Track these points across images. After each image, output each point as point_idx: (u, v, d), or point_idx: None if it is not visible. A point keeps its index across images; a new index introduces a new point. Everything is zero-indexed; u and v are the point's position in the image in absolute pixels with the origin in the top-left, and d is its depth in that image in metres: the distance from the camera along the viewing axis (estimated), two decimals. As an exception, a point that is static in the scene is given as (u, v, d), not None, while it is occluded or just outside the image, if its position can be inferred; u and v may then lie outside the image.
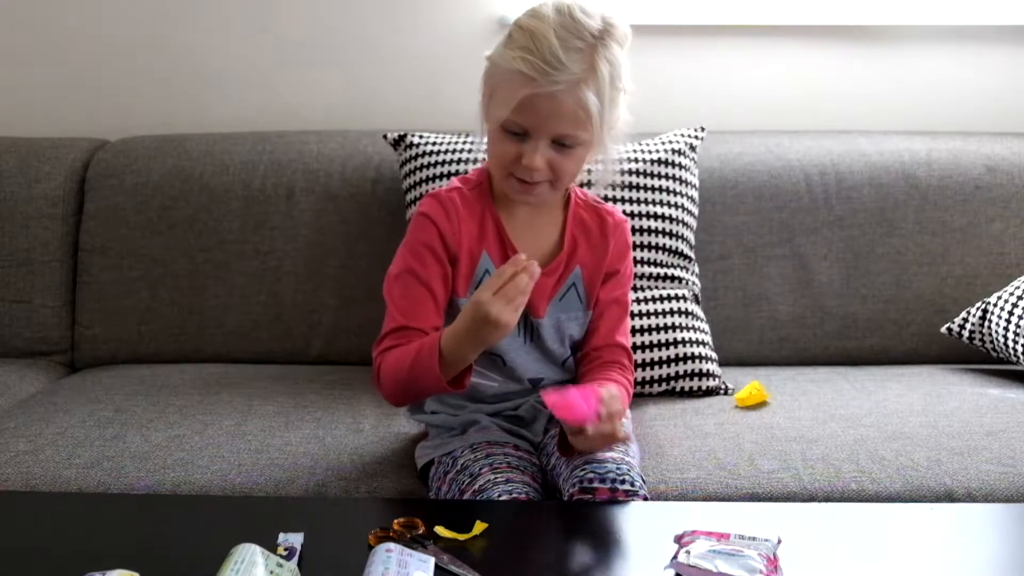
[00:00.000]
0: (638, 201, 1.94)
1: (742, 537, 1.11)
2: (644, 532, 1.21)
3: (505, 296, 1.28)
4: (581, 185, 1.60)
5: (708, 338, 1.94)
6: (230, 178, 2.12)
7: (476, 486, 1.35)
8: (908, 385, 1.90)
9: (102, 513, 1.31)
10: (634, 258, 1.91)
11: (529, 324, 1.50)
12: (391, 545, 1.08)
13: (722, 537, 1.11)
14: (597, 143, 1.42)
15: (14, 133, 2.27)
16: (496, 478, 1.35)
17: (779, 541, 1.11)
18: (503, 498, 1.31)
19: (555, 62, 1.34)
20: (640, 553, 1.14)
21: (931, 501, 1.49)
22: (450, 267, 1.47)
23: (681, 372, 1.87)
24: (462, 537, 1.16)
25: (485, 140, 1.46)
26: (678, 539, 1.12)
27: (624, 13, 1.45)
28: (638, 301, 1.89)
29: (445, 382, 1.34)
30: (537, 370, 1.52)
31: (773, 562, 1.08)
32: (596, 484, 1.31)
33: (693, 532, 1.12)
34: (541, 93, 1.35)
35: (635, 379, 1.82)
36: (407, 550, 1.08)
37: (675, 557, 1.08)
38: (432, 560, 1.08)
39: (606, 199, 1.92)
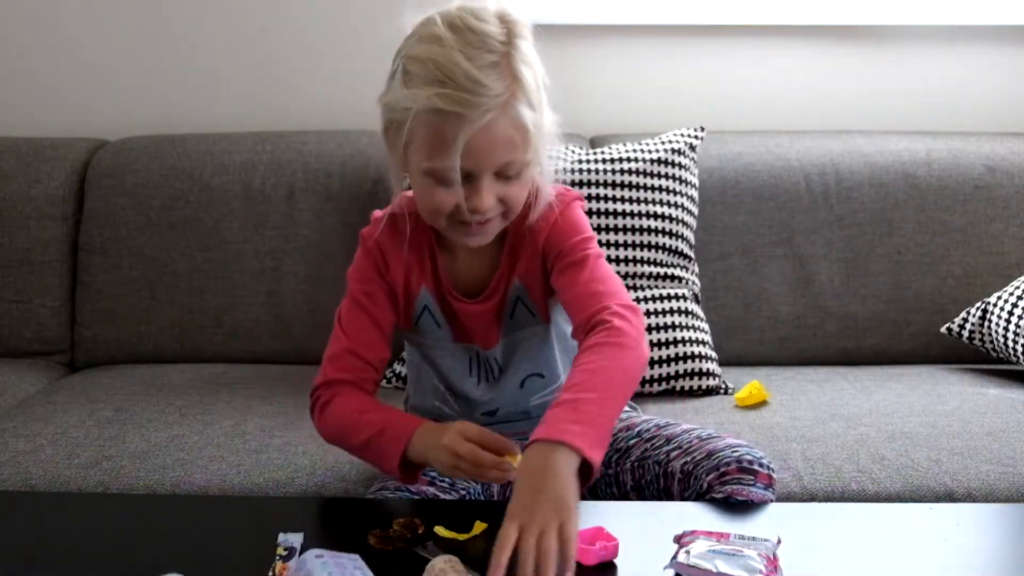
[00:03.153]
0: (638, 201, 1.94)
1: (742, 537, 1.11)
2: (644, 532, 1.20)
3: (462, 464, 1.18)
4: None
5: (708, 338, 1.94)
6: (230, 178, 2.12)
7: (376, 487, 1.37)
8: (908, 385, 1.90)
9: (101, 513, 1.31)
10: (634, 258, 1.92)
11: (480, 357, 1.38)
12: (320, 551, 1.04)
13: (722, 537, 1.11)
14: (536, 156, 1.25)
15: (14, 133, 2.27)
16: (385, 479, 1.36)
17: (779, 541, 1.11)
18: (368, 496, 1.33)
19: (476, 88, 1.16)
20: (640, 553, 1.14)
21: (931, 501, 1.49)
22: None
23: (681, 371, 1.86)
24: (462, 537, 1.16)
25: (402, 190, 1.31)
26: (678, 539, 1.12)
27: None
28: (638, 300, 1.89)
29: (400, 473, 1.26)
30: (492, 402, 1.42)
31: (773, 562, 1.08)
32: (755, 467, 1.27)
33: (693, 532, 1.12)
34: (473, 128, 1.16)
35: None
36: (337, 554, 1.04)
37: (675, 557, 1.08)
38: (359, 559, 1.05)
39: (607, 199, 1.93)
